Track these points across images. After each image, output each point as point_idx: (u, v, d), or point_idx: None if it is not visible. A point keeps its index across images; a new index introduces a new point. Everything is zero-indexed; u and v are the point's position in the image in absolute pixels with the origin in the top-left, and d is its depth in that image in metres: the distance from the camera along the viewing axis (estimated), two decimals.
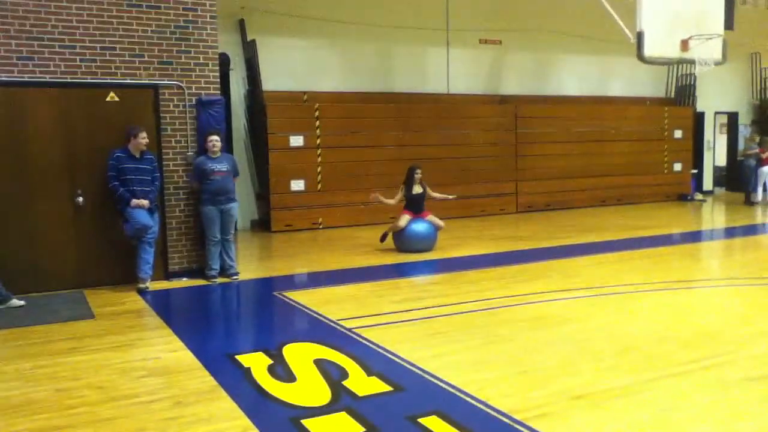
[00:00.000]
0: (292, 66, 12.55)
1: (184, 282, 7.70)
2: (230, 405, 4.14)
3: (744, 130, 17.76)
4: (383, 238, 9.73)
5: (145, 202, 7.19)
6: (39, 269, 7.20)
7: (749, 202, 14.79)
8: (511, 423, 3.78)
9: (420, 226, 9.43)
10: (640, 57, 8.92)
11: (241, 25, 12.08)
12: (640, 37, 8.81)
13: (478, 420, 3.85)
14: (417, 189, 9.59)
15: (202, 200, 7.65)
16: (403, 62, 13.71)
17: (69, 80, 7.19)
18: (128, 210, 7.12)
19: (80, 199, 7.31)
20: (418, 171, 9.57)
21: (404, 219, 9.41)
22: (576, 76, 15.69)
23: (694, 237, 11.35)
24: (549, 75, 15.42)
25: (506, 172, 14.02)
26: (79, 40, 7.20)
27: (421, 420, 3.81)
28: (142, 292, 7.18)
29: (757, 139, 15.24)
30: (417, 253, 9.26)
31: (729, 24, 9.53)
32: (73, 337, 5.64)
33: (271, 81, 12.09)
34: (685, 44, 9.18)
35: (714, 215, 14.44)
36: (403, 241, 9.42)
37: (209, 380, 4.57)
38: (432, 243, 9.53)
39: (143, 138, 7.20)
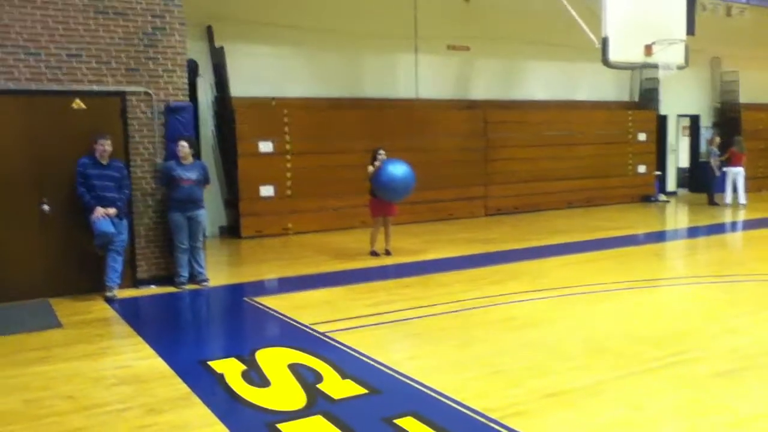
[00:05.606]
0: (260, 73, 12.48)
1: (153, 289, 7.60)
2: (204, 411, 4.10)
3: (706, 133, 18.16)
4: (374, 252, 9.61)
5: (111, 211, 7.10)
6: (2, 278, 7.03)
7: (712, 203, 15.09)
8: (487, 422, 3.82)
9: (398, 169, 9.07)
10: (606, 61, 9.11)
11: (209, 32, 11.99)
12: (605, 42, 9.01)
13: (454, 420, 3.88)
14: None
15: (169, 207, 7.61)
16: (371, 69, 13.74)
17: (34, 88, 7.06)
18: (90, 219, 7.03)
19: (45, 206, 7.17)
20: (382, 152, 9.42)
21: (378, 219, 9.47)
22: (543, 81, 15.88)
23: (659, 237, 11.56)
24: (516, 81, 15.59)
25: (475, 176, 14.12)
26: (44, 47, 7.08)
27: (397, 421, 3.82)
28: (110, 301, 7.07)
29: (718, 140, 15.56)
30: (398, 256, 9.30)
31: (691, 30, 9.80)
32: (41, 347, 5.53)
33: (240, 87, 12.01)
34: (648, 49, 9.41)
35: (677, 216, 14.74)
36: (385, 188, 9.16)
37: (182, 387, 4.52)
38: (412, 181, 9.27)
39: (101, 144, 7.12)
